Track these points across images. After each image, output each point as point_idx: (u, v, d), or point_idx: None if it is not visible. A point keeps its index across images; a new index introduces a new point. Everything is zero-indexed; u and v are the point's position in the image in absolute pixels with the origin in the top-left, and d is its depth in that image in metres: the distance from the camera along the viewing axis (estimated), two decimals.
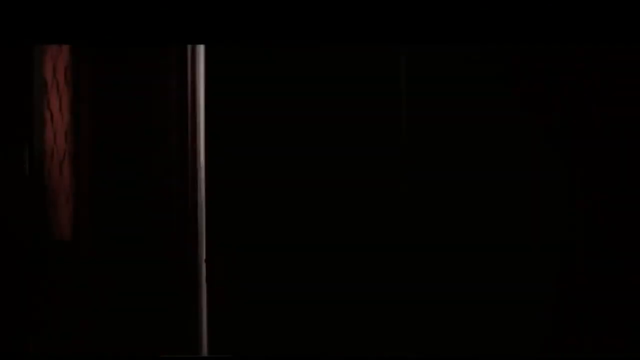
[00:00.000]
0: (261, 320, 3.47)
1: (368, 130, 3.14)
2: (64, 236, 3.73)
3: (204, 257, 3.56)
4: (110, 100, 4.03)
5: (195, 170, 3.82)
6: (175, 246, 3.63)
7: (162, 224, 3.60)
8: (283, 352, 3.23)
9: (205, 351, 3.48)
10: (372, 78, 3.06)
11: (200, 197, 3.79)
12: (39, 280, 3.15)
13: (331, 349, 3.31)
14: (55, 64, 3.67)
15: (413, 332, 3.20)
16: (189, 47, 3.98)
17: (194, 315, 3.51)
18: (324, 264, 3.34)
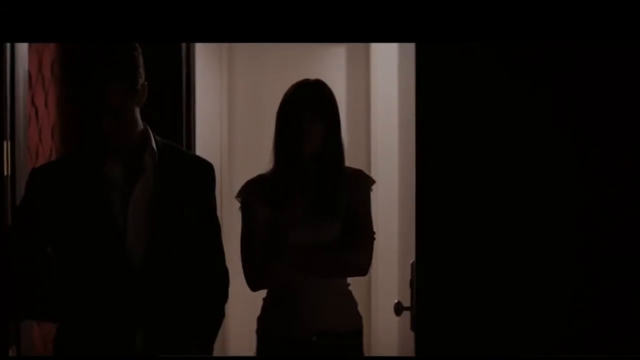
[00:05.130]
0: None
1: None
2: None
3: None
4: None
5: None
6: None
7: None
8: None
9: None
10: None
11: None
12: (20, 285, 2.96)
13: None
14: (41, 57, 3.54)
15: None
16: (183, 44, 3.85)
17: None
18: None
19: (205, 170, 2.87)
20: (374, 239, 3.20)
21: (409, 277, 3.34)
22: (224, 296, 2.89)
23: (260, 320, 3.23)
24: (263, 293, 3.25)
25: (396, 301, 3.40)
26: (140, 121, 2.74)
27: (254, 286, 3.18)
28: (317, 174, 3.17)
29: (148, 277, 2.71)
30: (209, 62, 5.58)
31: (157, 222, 2.72)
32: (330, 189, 3.15)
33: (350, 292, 3.22)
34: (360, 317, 3.24)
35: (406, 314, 3.36)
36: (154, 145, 2.76)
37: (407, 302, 3.34)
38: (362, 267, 3.16)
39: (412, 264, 3.27)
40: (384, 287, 5.40)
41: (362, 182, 3.22)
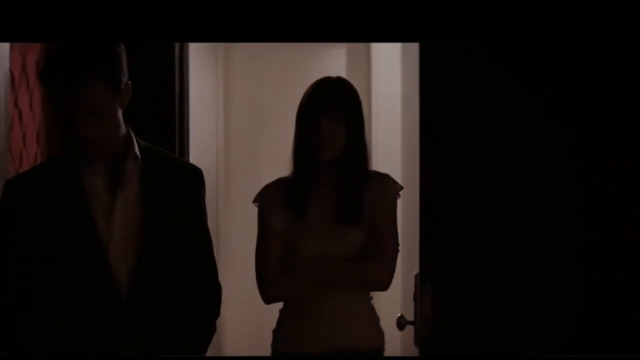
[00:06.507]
0: None
1: None
2: None
3: None
4: None
5: None
6: None
7: None
8: None
9: None
10: None
11: None
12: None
13: None
14: (25, 56, 3.39)
15: None
16: (177, 44, 3.72)
17: None
18: None
19: (193, 176, 2.66)
20: (398, 250, 2.97)
21: (412, 290, 3.23)
22: (215, 314, 2.69)
23: (276, 333, 3.02)
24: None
25: (399, 315, 3.29)
26: (122, 124, 2.55)
27: (267, 298, 2.95)
28: (337, 178, 2.95)
29: (133, 294, 2.52)
30: (204, 62, 5.48)
31: (141, 234, 2.52)
32: (351, 194, 2.92)
33: (372, 306, 3.00)
34: (381, 334, 3.00)
35: (409, 329, 3.26)
36: (136, 150, 2.57)
37: (410, 316, 3.24)
38: (382, 282, 2.92)
39: (415, 276, 3.19)
40: (385, 300, 5.24)
41: (387, 188, 2.99)
